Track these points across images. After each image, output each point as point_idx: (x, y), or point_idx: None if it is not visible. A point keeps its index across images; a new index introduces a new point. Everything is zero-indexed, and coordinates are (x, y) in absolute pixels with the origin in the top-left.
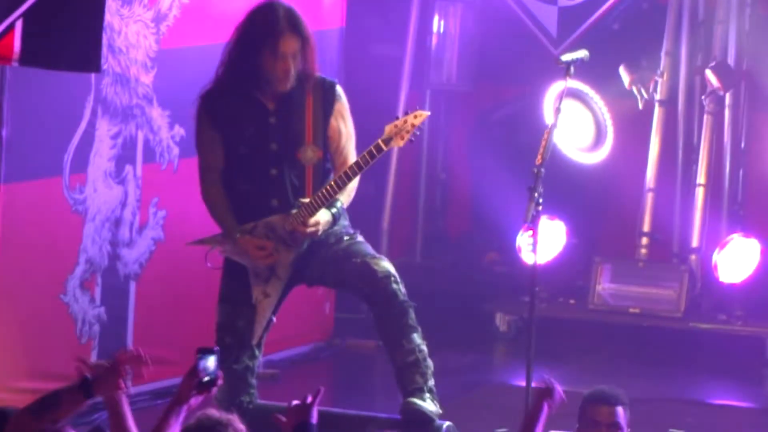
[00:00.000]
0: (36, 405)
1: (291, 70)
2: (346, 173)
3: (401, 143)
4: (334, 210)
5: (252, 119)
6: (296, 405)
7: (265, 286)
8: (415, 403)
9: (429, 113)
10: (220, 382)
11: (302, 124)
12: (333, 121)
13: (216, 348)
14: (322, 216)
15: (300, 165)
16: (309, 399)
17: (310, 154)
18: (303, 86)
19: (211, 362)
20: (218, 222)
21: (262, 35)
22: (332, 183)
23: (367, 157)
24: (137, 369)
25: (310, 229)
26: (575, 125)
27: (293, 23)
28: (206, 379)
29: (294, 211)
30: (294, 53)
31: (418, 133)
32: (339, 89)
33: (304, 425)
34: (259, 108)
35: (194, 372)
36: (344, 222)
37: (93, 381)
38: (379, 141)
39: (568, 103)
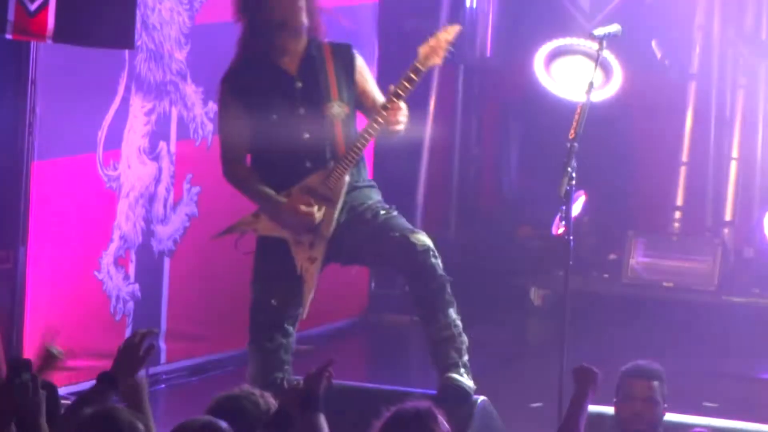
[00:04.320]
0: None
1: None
2: (385, 104)
3: (438, 61)
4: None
5: (277, 88)
6: (307, 377)
7: (311, 251)
8: (454, 378)
9: (460, 27)
10: None
11: (327, 83)
12: (359, 78)
13: None
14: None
15: (329, 122)
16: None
17: (337, 109)
18: (320, 50)
19: None
20: (253, 196)
21: None
22: (373, 121)
23: (405, 83)
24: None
25: (400, 117)
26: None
27: None
28: None
29: (333, 164)
30: None
31: (452, 48)
32: (354, 50)
33: (309, 397)
34: (283, 76)
35: None
36: (377, 196)
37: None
38: (416, 63)
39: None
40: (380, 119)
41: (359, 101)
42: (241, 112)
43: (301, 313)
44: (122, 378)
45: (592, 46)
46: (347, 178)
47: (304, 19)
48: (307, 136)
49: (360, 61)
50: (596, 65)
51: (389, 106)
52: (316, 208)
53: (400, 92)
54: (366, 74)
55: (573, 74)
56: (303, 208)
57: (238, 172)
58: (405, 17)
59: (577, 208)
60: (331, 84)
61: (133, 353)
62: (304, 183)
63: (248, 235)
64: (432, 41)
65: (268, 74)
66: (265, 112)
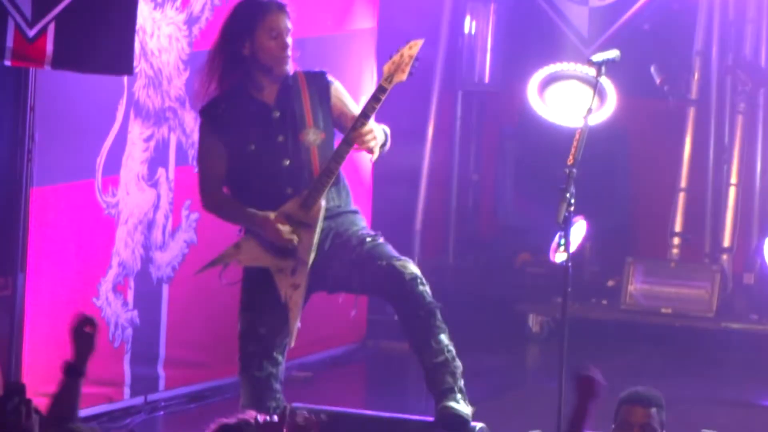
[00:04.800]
0: (51, 412)
1: (288, 48)
2: (354, 125)
3: (403, 77)
4: (384, 126)
5: (255, 118)
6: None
7: (293, 278)
8: (451, 407)
9: (423, 40)
10: None
11: (302, 110)
12: (336, 102)
13: None
14: (375, 126)
15: (306, 149)
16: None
17: (312, 136)
18: (296, 80)
19: None
20: (236, 217)
21: (253, 18)
22: (342, 145)
23: (372, 103)
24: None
25: (368, 138)
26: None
27: (279, 4)
28: None
29: (305, 191)
30: (287, 30)
31: (416, 64)
32: (329, 75)
33: None
34: (260, 106)
35: None
36: (362, 223)
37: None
38: (381, 81)
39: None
40: (349, 141)
41: (339, 124)
42: (219, 143)
43: (288, 341)
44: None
45: (584, 69)
46: (323, 202)
47: (289, 68)
48: (287, 162)
49: (335, 86)
50: (594, 91)
51: (357, 126)
52: (293, 234)
53: (367, 113)
54: (343, 97)
55: (567, 99)
56: (278, 229)
57: (216, 199)
58: (404, 43)
59: (578, 235)
60: (306, 111)
61: (83, 339)
62: (281, 209)
63: (232, 266)
64: (396, 57)
65: (246, 106)
66: (244, 142)
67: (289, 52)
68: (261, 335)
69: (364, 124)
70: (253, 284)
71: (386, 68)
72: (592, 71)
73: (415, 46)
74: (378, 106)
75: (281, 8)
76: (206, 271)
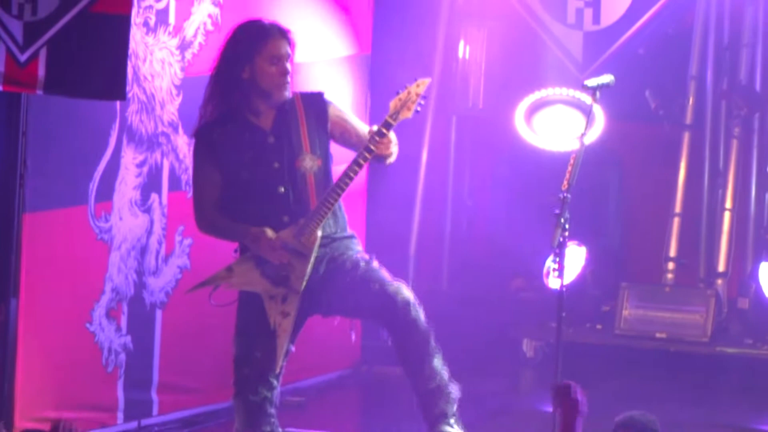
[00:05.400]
0: None
1: (288, 73)
2: (356, 161)
3: (409, 114)
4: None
5: (251, 144)
6: None
7: (283, 306)
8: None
9: (430, 79)
10: None
11: (298, 136)
12: (336, 121)
13: None
14: (393, 137)
15: (302, 175)
16: None
17: (309, 162)
18: (292, 101)
19: None
20: (231, 233)
21: (253, 42)
22: (343, 177)
23: (377, 137)
24: None
25: (392, 147)
26: (567, 123)
27: (281, 29)
28: None
29: (302, 220)
30: (287, 56)
31: (423, 102)
32: (327, 96)
33: None
34: (256, 131)
35: None
36: (357, 247)
37: None
38: (387, 117)
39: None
40: (347, 180)
41: (344, 140)
42: (212, 169)
43: (284, 365)
44: None
45: (569, 93)
46: (319, 232)
47: (288, 94)
48: (282, 189)
49: (333, 107)
50: (588, 117)
51: (356, 165)
52: (288, 259)
53: (372, 146)
54: (343, 114)
55: (556, 124)
56: (272, 248)
57: (209, 219)
58: (398, 68)
59: (578, 262)
60: (303, 137)
61: None
62: (277, 236)
63: (223, 288)
64: (403, 95)
65: (241, 130)
66: (238, 168)
67: (289, 78)
68: (256, 359)
69: (363, 162)
70: (248, 309)
71: (392, 104)
72: (577, 94)
73: (423, 85)
74: (382, 142)
75: (283, 34)
76: (198, 292)
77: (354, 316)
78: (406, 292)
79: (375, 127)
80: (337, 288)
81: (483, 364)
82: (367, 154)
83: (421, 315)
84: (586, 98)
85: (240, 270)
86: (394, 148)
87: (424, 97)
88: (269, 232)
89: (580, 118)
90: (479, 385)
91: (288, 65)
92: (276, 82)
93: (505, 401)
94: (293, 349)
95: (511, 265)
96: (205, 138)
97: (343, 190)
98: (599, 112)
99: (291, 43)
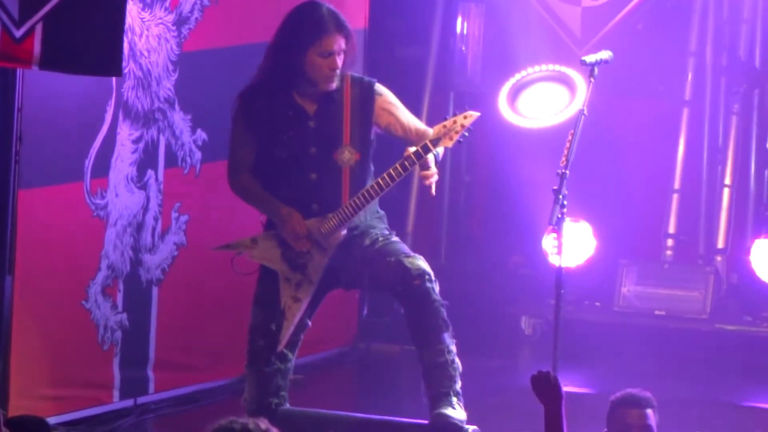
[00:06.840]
0: None
1: (338, 69)
2: (388, 175)
3: (450, 144)
4: (436, 152)
5: (291, 123)
6: None
7: (296, 291)
8: (446, 415)
9: (479, 113)
10: None
11: (340, 126)
12: (382, 113)
13: None
14: (431, 158)
15: (338, 167)
16: None
17: (347, 155)
18: (341, 87)
19: None
20: (260, 203)
21: (308, 34)
22: (374, 185)
23: (413, 157)
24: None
25: (432, 173)
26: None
27: (338, 22)
28: None
29: (330, 215)
30: (340, 51)
31: (467, 134)
32: (378, 87)
33: None
34: (299, 112)
35: None
36: (381, 225)
37: None
38: (427, 141)
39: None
40: (377, 188)
41: (389, 132)
42: (249, 133)
43: (300, 338)
44: None
45: (547, 68)
46: (344, 231)
47: (335, 85)
48: (314, 176)
49: (382, 98)
50: (588, 92)
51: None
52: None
53: (407, 167)
54: (390, 107)
55: (542, 102)
56: (295, 231)
57: (242, 182)
58: (395, 43)
59: (584, 237)
60: (345, 127)
61: None
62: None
63: (245, 255)
64: (448, 123)
65: (285, 107)
66: (272, 143)
67: (338, 72)
68: (271, 330)
69: (396, 177)
70: (268, 279)
71: (435, 130)
72: (555, 67)
73: (470, 117)
74: (418, 163)
75: (339, 29)
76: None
77: (371, 289)
78: (423, 264)
79: (412, 149)
80: (356, 263)
81: (481, 341)
82: (401, 170)
83: (435, 287)
84: (567, 70)
85: (263, 245)
86: (434, 169)
87: (469, 130)
88: (298, 218)
89: (564, 92)
90: (478, 363)
91: (339, 60)
92: (324, 75)
93: (503, 378)
94: (310, 323)
95: (509, 242)
96: (246, 103)
97: (372, 197)
98: (581, 82)
99: (347, 36)
